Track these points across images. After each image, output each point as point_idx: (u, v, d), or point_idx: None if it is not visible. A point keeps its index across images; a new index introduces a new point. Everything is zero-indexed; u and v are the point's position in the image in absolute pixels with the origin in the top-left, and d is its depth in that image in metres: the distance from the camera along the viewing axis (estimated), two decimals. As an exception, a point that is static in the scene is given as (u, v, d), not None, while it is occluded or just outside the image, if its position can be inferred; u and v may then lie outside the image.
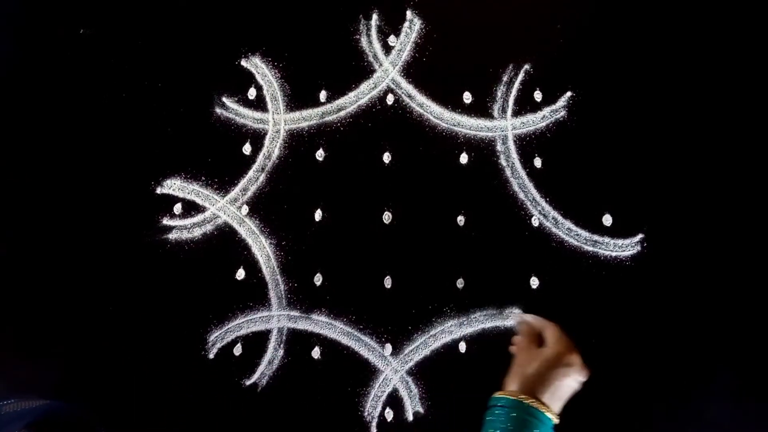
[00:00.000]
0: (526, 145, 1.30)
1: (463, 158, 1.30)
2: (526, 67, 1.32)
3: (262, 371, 1.25)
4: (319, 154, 1.31)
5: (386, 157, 1.30)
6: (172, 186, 1.31)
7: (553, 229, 1.27)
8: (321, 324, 1.27)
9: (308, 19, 1.35)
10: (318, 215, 1.29)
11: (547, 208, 1.27)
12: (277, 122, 1.32)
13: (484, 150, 1.30)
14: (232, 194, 1.30)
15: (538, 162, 1.29)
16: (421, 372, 1.25)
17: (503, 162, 1.30)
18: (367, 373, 1.25)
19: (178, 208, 1.30)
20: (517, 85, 1.31)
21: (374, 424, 1.23)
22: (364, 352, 1.26)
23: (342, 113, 1.32)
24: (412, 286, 1.27)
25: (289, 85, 1.34)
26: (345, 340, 1.26)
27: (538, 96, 1.31)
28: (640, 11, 1.32)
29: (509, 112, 1.31)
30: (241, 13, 1.36)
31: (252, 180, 1.31)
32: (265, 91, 1.33)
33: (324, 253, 1.29)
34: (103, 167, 1.31)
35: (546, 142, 1.30)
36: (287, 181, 1.31)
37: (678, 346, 1.23)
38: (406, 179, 1.30)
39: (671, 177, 1.27)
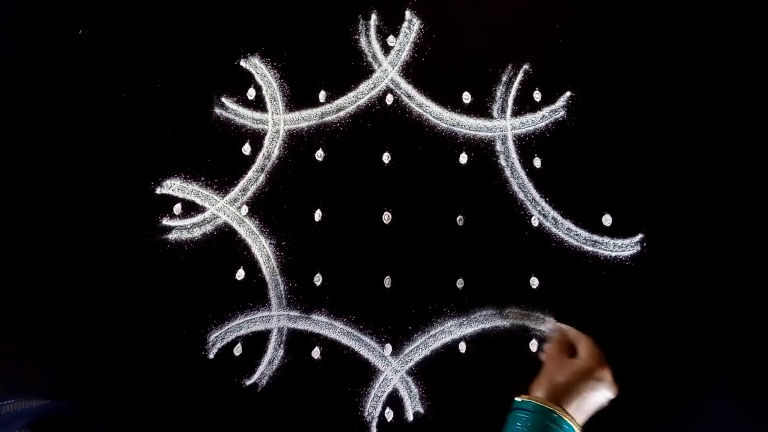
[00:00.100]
0: (526, 145, 1.30)
1: (463, 158, 1.30)
2: (526, 67, 1.32)
3: (262, 371, 1.25)
4: (319, 155, 1.31)
5: (386, 157, 1.30)
6: (172, 186, 1.31)
7: (553, 229, 1.27)
8: (321, 324, 1.27)
9: (307, 19, 1.35)
10: (318, 215, 1.29)
11: (547, 208, 1.27)
12: (277, 122, 1.33)
13: (483, 150, 1.30)
14: (232, 194, 1.30)
15: (537, 162, 1.29)
16: (421, 372, 1.25)
17: (503, 162, 1.30)
18: (367, 373, 1.25)
19: (177, 208, 1.30)
20: (516, 85, 1.31)
21: (374, 424, 1.23)
22: (364, 352, 1.26)
23: (341, 113, 1.32)
24: (411, 286, 1.27)
25: (289, 86, 1.34)
26: (345, 340, 1.26)
27: (537, 96, 1.31)
28: (640, 11, 1.31)
29: (508, 112, 1.31)
30: (240, 14, 1.36)
31: (251, 180, 1.31)
32: (264, 92, 1.34)
33: (324, 253, 1.29)
34: (102, 167, 1.31)
35: (545, 142, 1.30)
36: (287, 181, 1.31)
37: (678, 346, 1.23)
38: (405, 179, 1.30)
39: (671, 177, 1.27)
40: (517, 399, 0.94)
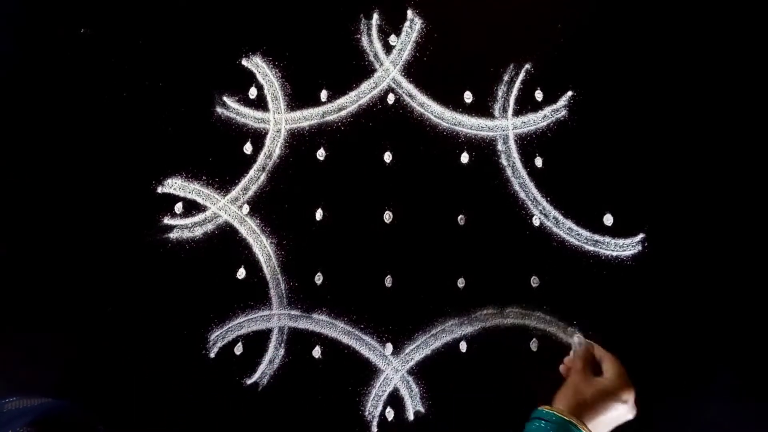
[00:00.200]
0: (527, 145, 1.30)
1: (464, 158, 1.30)
2: (527, 66, 1.32)
3: (263, 370, 1.25)
4: (320, 154, 1.31)
5: (387, 157, 1.30)
6: (173, 185, 1.31)
7: (554, 229, 1.27)
8: (322, 323, 1.27)
9: (309, 18, 1.35)
10: (319, 214, 1.29)
11: (548, 207, 1.27)
12: (278, 122, 1.33)
13: (485, 149, 1.31)
14: (233, 193, 1.30)
15: (539, 161, 1.29)
16: (421, 371, 1.25)
17: (504, 161, 1.30)
18: (367, 372, 1.25)
19: (179, 207, 1.30)
20: (518, 84, 1.31)
21: (375, 423, 1.23)
22: (365, 352, 1.26)
23: (343, 113, 1.32)
24: (412, 286, 1.27)
25: (290, 85, 1.34)
26: (346, 340, 1.26)
27: (539, 95, 1.31)
28: (640, 11, 1.32)
29: (510, 111, 1.31)
30: (241, 13, 1.36)
31: (253, 179, 1.31)
32: (266, 91, 1.34)
33: (325, 252, 1.29)
34: (103, 167, 1.31)
35: (547, 141, 1.30)
36: (288, 180, 1.31)
37: (678, 346, 1.23)
38: (406, 179, 1.30)
39: (673, 177, 1.27)
40: (540, 408, 0.94)
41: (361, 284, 1.28)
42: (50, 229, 1.30)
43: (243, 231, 1.30)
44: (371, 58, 1.34)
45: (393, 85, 1.33)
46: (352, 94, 1.33)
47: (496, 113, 1.32)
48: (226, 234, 1.30)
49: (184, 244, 1.29)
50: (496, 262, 1.27)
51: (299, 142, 1.33)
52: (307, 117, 1.33)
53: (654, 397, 1.21)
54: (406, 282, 1.27)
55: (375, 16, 1.35)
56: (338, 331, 1.27)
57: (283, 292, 1.28)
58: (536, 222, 1.28)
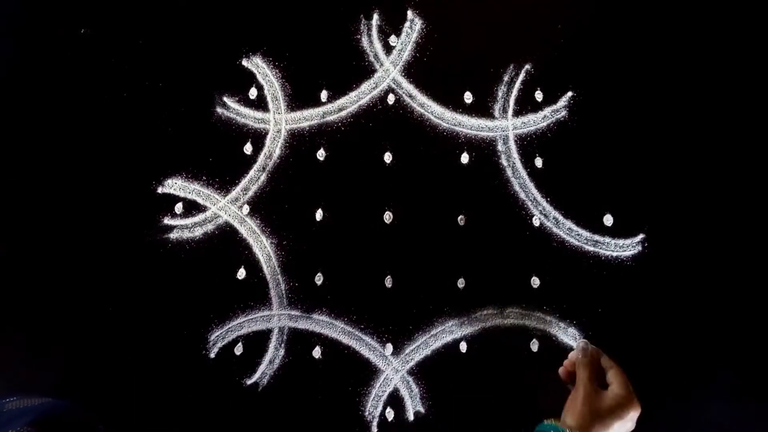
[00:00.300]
0: (527, 145, 1.30)
1: (464, 158, 1.30)
2: (527, 66, 1.32)
3: (263, 371, 1.25)
4: (320, 154, 1.31)
5: (387, 157, 1.30)
6: (173, 185, 1.31)
7: (554, 229, 1.27)
8: (322, 323, 1.27)
9: (309, 18, 1.35)
10: (319, 215, 1.29)
11: (548, 207, 1.28)
12: (278, 122, 1.33)
13: (485, 150, 1.31)
14: (233, 194, 1.30)
15: (539, 162, 1.29)
16: (421, 372, 1.25)
17: (504, 162, 1.30)
18: (367, 372, 1.25)
19: (179, 207, 1.30)
20: (518, 84, 1.31)
21: (375, 423, 1.23)
22: (365, 352, 1.26)
23: (343, 113, 1.32)
24: (412, 286, 1.27)
25: (290, 85, 1.34)
26: (346, 340, 1.26)
27: (539, 96, 1.31)
28: (640, 11, 1.32)
29: (510, 111, 1.31)
30: (241, 13, 1.36)
31: (253, 180, 1.31)
32: (266, 91, 1.34)
33: (325, 252, 1.29)
34: (103, 167, 1.31)
35: (547, 142, 1.30)
36: (288, 180, 1.31)
37: (678, 346, 1.23)
38: (407, 179, 1.30)
39: (672, 177, 1.27)
40: (547, 422, 0.94)
41: (361, 284, 1.28)
42: (50, 229, 1.30)
43: (243, 231, 1.30)
44: (371, 58, 1.34)
45: (393, 86, 1.33)
46: (353, 94, 1.33)
47: (496, 114, 1.32)
48: (226, 234, 1.30)
49: (184, 245, 1.29)
50: (496, 262, 1.27)
51: (299, 142, 1.33)
52: (307, 117, 1.33)
53: (654, 397, 1.21)
54: (406, 282, 1.27)
55: (375, 16, 1.35)
56: (338, 331, 1.27)
57: (283, 292, 1.28)
58: (536, 222, 1.28)
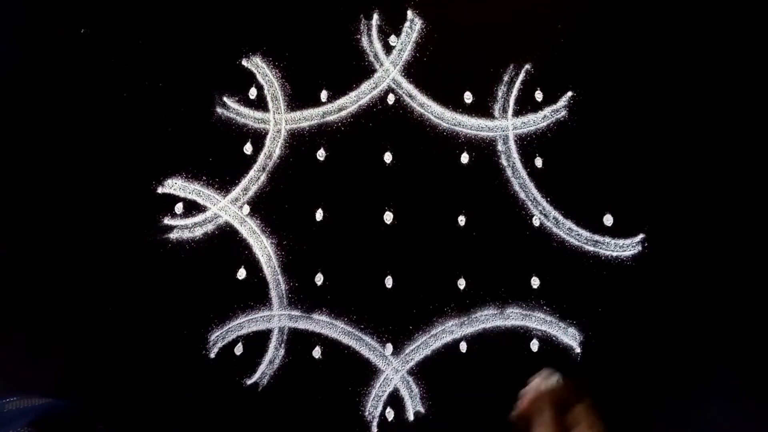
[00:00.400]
0: (527, 145, 1.30)
1: (464, 158, 1.30)
2: (527, 67, 1.32)
3: (263, 371, 1.25)
4: (320, 154, 1.31)
5: (387, 157, 1.30)
6: (174, 185, 1.31)
7: (554, 229, 1.27)
8: (322, 323, 1.27)
9: (309, 19, 1.35)
10: (319, 215, 1.29)
11: (548, 207, 1.27)
12: (278, 122, 1.32)
13: (485, 150, 1.31)
14: (234, 194, 1.30)
15: (539, 162, 1.29)
16: (421, 372, 1.25)
17: (504, 162, 1.30)
18: (368, 372, 1.25)
19: (179, 207, 1.30)
20: (517, 84, 1.31)
21: (375, 423, 1.23)
22: (365, 352, 1.26)
23: (343, 113, 1.32)
24: (413, 286, 1.27)
25: (290, 85, 1.34)
26: (346, 340, 1.26)
27: (539, 96, 1.31)
28: (640, 11, 1.32)
29: (510, 111, 1.31)
30: (241, 13, 1.36)
31: (253, 180, 1.31)
32: (266, 91, 1.33)
33: (325, 252, 1.29)
34: (104, 167, 1.31)
35: (547, 141, 1.30)
36: (288, 180, 1.31)
37: (678, 345, 1.23)
38: (407, 179, 1.30)
39: (672, 177, 1.27)
40: None
41: (361, 284, 1.28)
42: (51, 230, 1.29)
43: (243, 231, 1.30)
44: (371, 58, 1.34)
45: (393, 86, 1.33)
46: (353, 94, 1.33)
47: (496, 113, 1.32)
48: (227, 234, 1.30)
49: (185, 245, 1.29)
50: (496, 262, 1.27)
51: (299, 142, 1.33)
52: (307, 117, 1.33)
53: (654, 397, 1.21)
54: (406, 282, 1.27)
55: (375, 16, 1.35)
56: (338, 331, 1.27)
57: (283, 292, 1.28)
58: (536, 222, 1.28)
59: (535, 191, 1.28)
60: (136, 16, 1.36)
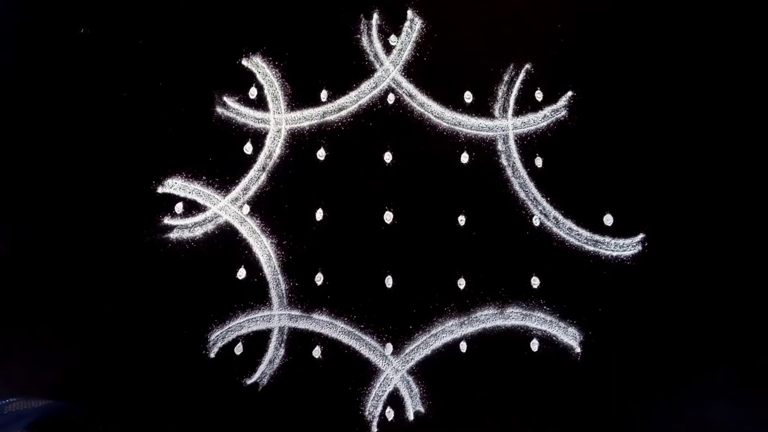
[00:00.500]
0: (527, 145, 1.30)
1: (464, 158, 1.30)
2: (527, 66, 1.32)
3: (263, 370, 1.25)
4: (320, 154, 1.31)
5: (387, 157, 1.30)
6: (174, 185, 1.31)
7: (554, 229, 1.27)
8: (322, 323, 1.27)
9: (309, 18, 1.35)
10: (319, 215, 1.29)
11: (548, 207, 1.27)
12: (278, 122, 1.33)
13: (485, 149, 1.31)
14: (234, 193, 1.30)
15: (539, 161, 1.29)
16: (421, 371, 1.25)
17: (504, 161, 1.30)
18: (368, 372, 1.25)
19: (179, 207, 1.30)
20: (518, 84, 1.31)
21: (375, 423, 1.23)
22: (365, 352, 1.26)
23: (343, 113, 1.32)
24: (413, 286, 1.27)
25: (290, 85, 1.34)
26: (346, 340, 1.26)
27: (539, 95, 1.31)
28: (640, 11, 1.32)
29: (510, 111, 1.31)
30: (241, 13, 1.36)
31: (253, 179, 1.31)
32: (266, 91, 1.33)
33: (325, 252, 1.29)
34: (104, 166, 1.31)
35: (547, 141, 1.30)
36: (288, 180, 1.31)
37: (679, 345, 1.23)
38: (407, 179, 1.30)
39: (672, 177, 1.27)
40: None
41: (361, 284, 1.28)
42: (50, 229, 1.30)
43: (243, 231, 1.30)
44: (371, 58, 1.34)
45: (393, 85, 1.33)
46: (353, 94, 1.33)
47: (496, 113, 1.31)
48: (227, 234, 1.30)
49: (185, 244, 1.29)
50: (496, 262, 1.27)
51: (299, 142, 1.33)
52: (307, 117, 1.33)
53: (654, 397, 1.21)
54: (406, 282, 1.27)
55: (375, 16, 1.35)
56: (338, 331, 1.27)
57: (284, 292, 1.28)
58: (536, 222, 1.28)
59: (535, 191, 1.28)
60: (136, 16, 1.37)
